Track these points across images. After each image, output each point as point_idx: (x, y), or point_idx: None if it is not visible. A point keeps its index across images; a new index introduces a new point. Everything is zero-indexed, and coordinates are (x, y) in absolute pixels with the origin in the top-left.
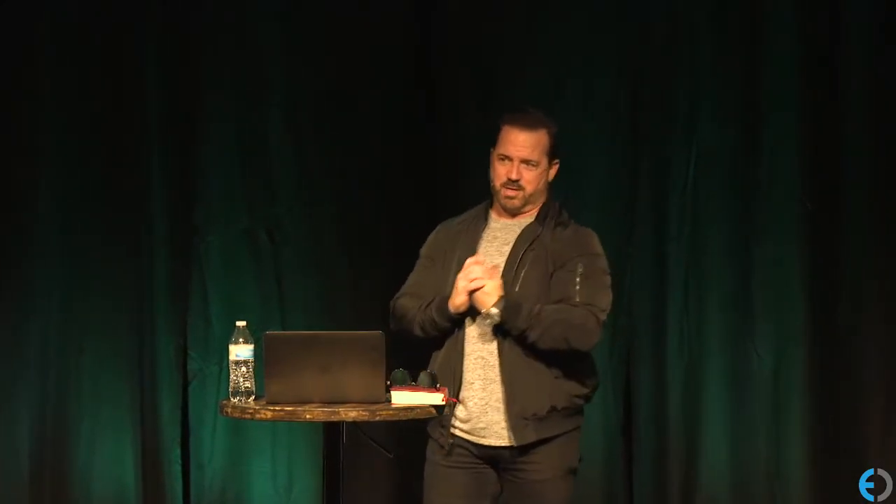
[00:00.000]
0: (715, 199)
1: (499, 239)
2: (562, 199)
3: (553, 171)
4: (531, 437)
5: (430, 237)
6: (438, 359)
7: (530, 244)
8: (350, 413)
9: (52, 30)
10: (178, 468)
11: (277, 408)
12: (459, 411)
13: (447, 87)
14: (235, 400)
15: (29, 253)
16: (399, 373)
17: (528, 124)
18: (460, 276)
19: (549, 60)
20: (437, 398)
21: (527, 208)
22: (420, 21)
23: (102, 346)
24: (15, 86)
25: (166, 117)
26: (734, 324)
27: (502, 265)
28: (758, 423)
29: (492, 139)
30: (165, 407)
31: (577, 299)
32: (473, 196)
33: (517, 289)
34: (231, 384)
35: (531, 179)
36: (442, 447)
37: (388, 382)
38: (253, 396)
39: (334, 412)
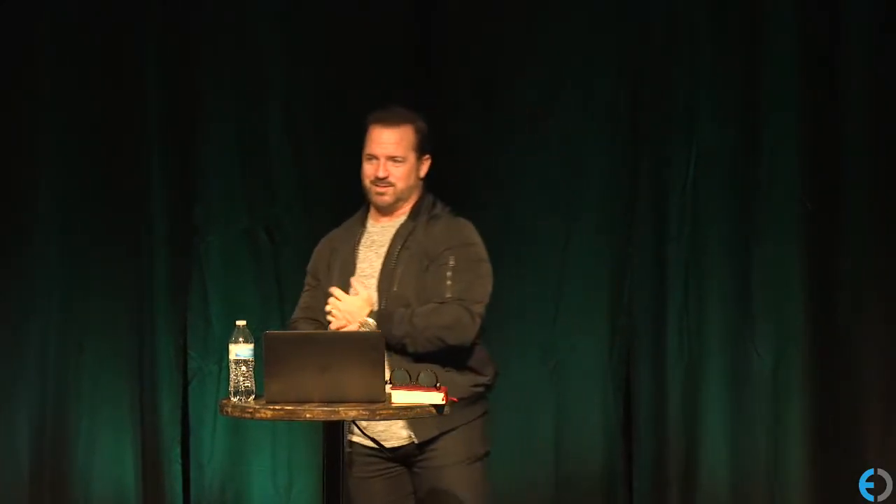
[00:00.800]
0: (715, 199)
1: (376, 242)
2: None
3: (425, 167)
4: (433, 431)
5: (314, 253)
6: None
7: (404, 242)
8: (350, 412)
9: (53, 30)
10: (178, 468)
11: (277, 407)
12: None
13: (447, 87)
14: (235, 399)
15: (29, 253)
16: (399, 372)
17: (392, 121)
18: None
19: (549, 60)
20: (437, 397)
21: (400, 205)
22: (420, 21)
23: (102, 345)
24: (15, 86)
25: (166, 117)
26: (734, 323)
27: (379, 268)
28: (757, 422)
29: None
30: (165, 406)
31: (448, 295)
32: (473, 195)
33: (395, 289)
34: (231, 384)
35: (400, 176)
36: (350, 456)
37: (388, 382)
38: (253, 396)
39: (334, 411)
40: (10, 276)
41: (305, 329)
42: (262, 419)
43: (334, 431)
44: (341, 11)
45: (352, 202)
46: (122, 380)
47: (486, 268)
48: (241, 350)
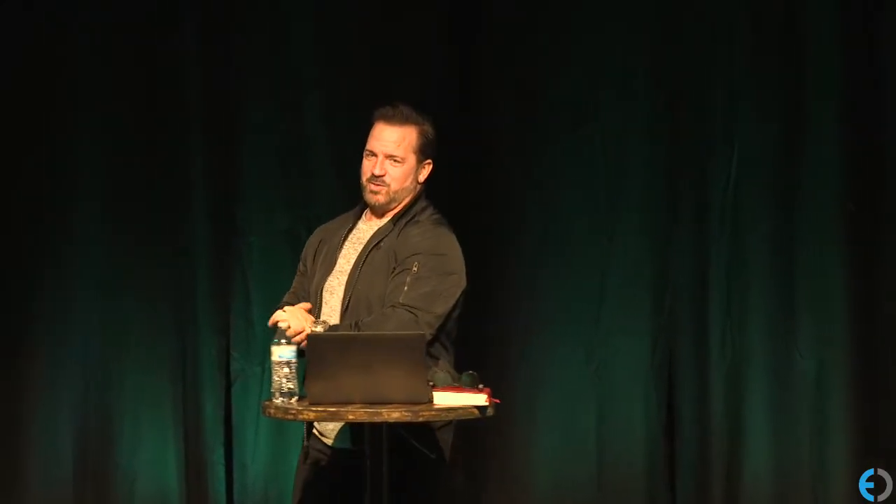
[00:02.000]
0: (756, 200)
1: (359, 241)
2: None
3: (425, 172)
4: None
5: (308, 240)
6: None
7: (378, 242)
8: (392, 414)
9: (91, 31)
10: (221, 468)
11: (320, 408)
12: None
13: (487, 88)
14: (278, 401)
15: (71, 254)
16: (442, 373)
17: (396, 120)
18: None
19: (589, 61)
20: (479, 399)
21: (392, 206)
22: (459, 22)
23: (145, 347)
24: (54, 87)
25: (207, 118)
26: (777, 324)
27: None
28: (801, 423)
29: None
30: (208, 407)
31: (401, 300)
32: (514, 197)
33: (359, 287)
34: (273, 385)
35: (396, 176)
36: (305, 452)
37: (430, 383)
38: (295, 397)
39: (377, 413)
40: (53, 277)
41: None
42: (304, 420)
43: (377, 433)
44: (379, 11)
45: None
46: (165, 381)
47: (453, 281)
48: (283, 351)
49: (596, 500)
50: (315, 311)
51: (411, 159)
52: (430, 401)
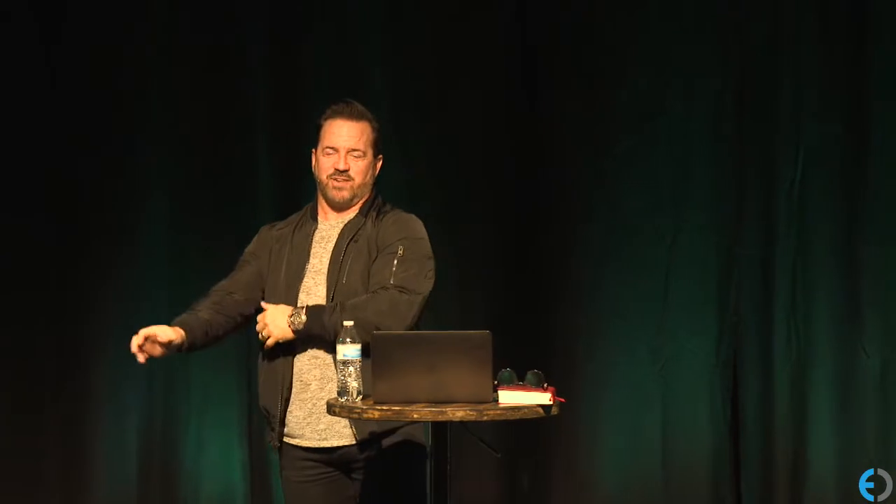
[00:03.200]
0: (822, 198)
1: (325, 238)
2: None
3: (378, 166)
4: (374, 427)
5: (255, 239)
6: (264, 367)
7: (353, 236)
8: (457, 413)
9: (160, 29)
10: None
11: (385, 407)
12: (293, 417)
13: (553, 87)
14: (343, 399)
15: (138, 250)
16: (506, 372)
17: (352, 115)
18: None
19: (655, 60)
20: (544, 398)
21: (355, 202)
22: (525, 22)
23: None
24: (124, 85)
25: (273, 114)
26: (842, 323)
27: (328, 263)
28: (866, 422)
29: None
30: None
31: (392, 281)
32: (579, 196)
33: (344, 280)
34: (338, 384)
35: (359, 170)
36: (274, 449)
37: (495, 382)
38: (360, 396)
39: (441, 412)
40: (118, 275)
41: (201, 305)
42: (369, 419)
43: (441, 431)
44: (446, 10)
45: (454, 198)
46: (231, 379)
47: (431, 265)
48: (348, 350)
49: (661, 499)
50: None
51: (370, 153)
52: (495, 400)
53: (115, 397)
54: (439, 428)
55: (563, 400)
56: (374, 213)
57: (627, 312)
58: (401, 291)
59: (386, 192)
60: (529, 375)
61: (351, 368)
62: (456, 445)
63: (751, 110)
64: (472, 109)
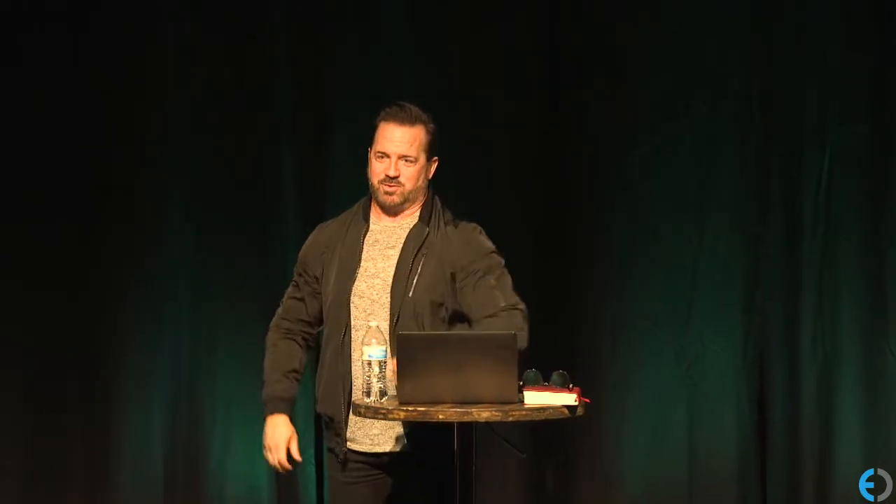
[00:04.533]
0: (848, 199)
1: (380, 242)
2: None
3: (433, 169)
4: (425, 436)
5: (307, 242)
6: (325, 366)
7: (419, 248)
8: (483, 413)
9: (181, 32)
10: (311, 469)
11: (410, 408)
12: (352, 421)
13: (577, 87)
14: (368, 400)
15: (162, 254)
16: (531, 373)
17: (406, 120)
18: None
19: (680, 60)
20: (569, 398)
21: (407, 206)
22: (550, 21)
23: (235, 346)
24: (144, 88)
25: (296, 118)
26: (869, 324)
27: (392, 272)
28: (892, 423)
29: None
30: (298, 408)
31: (503, 304)
32: (604, 196)
33: (410, 295)
34: (364, 384)
35: (410, 176)
36: (337, 457)
37: (521, 382)
38: (386, 396)
39: (467, 412)
40: (142, 278)
41: (276, 337)
42: (394, 420)
43: (467, 432)
44: (471, 11)
45: (483, 201)
46: (256, 381)
47: (507, 271)
48: (373, 351)
49: (686, 500)
50: (342, 317)
51: (422, 158)
52: (521, 400)
53: (140, 398)
54: (464, 428)
55: (588, 401)
56: (438, 222)
57: (653, 313)
58: (515, 306)
59: None
60: (555, 376)
61: (376, 369)
62: (480, 446)
63: (776, 110)
64: (498, 110)
